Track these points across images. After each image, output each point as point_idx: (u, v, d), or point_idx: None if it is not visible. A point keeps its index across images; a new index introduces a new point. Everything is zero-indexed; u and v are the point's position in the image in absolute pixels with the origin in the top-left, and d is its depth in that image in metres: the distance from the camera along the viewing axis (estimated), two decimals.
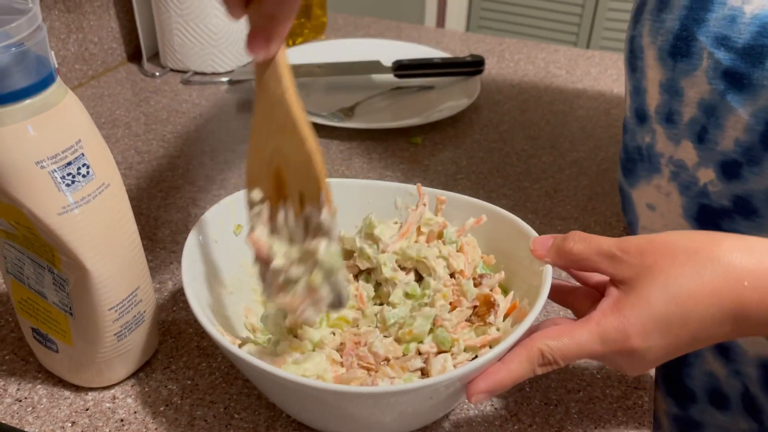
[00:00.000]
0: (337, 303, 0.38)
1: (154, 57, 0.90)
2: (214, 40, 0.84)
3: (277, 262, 0.38)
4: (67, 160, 0.35)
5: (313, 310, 0.38)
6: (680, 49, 0.43)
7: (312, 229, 0.37)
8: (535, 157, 0.72)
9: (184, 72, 0.86)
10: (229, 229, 0.46)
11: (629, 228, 0.56)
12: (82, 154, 0.36)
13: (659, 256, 0.35)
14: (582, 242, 0.38)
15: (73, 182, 0.36)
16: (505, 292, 0.44)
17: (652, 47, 0.46)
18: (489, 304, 0.41)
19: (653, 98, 0.47)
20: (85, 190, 0.36)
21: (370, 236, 0.45)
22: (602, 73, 0.92)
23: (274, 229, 0.38)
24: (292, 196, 0.37)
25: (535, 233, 0.43)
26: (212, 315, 0.40)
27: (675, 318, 0.34)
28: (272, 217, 0.38)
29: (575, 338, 0.36)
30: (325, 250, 0.37)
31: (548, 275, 0.39)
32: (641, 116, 0.49)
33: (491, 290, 0.42)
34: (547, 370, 0.37)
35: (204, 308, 0.39)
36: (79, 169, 0.36)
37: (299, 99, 0.35)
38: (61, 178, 0.35)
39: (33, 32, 0.33)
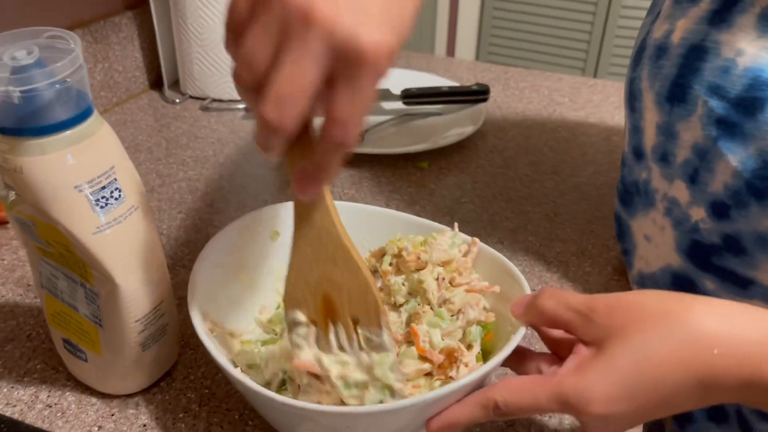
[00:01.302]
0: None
1: (175, 84, 0.95)
2: (231, 68, 0.89)
3: (333, 372, 0.39)
4: (101, 185, 0.39)
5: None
6: (676, 95, 0.45)
7: (372, 347, 0.38)
8: (538, 182, 0.75)
9: (203, 99, 0.91)
10: (263, 233, 0.50)
11: (624, 255, 0.58)
12: (115, 179, 0.40)
13: (628, 316, 0.35)
14: (552, 299, 0.38)
15: (106, 204, 0.39)
16: (487, 349, 0.43)
17: (650, 91, 0.48)
18: (452, 358, 0.41)
19: (650, 138, 0.49)
20: (117, 212, 0.40)
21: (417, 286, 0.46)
22: (604, 100, 0.96)
23: (322, 348, 0.40)
24: (343, 320, 0.39)
25: (524, 281, 0.43)
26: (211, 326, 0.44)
27: (642, 384, 0.34)
28: (318, 338, 0.40)
29: (534, 395, 0.35)
30: (386, 367, 0.38)
31: (519, 334, 0.39)
32: (638, 153, 0.52)
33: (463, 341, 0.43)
34: (505, 418, 0.37)
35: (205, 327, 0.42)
36: (111, 192, 0.40)
37: (345, 230, 0.37)
38: (95, 201, 0.39)
39: (75, 71, 0.37)
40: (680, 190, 0.47)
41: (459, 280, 0.45)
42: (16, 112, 0.36)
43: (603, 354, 0.35)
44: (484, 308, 0.44)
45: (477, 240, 0.47)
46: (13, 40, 0.38)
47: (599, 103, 0.95)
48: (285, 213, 0.51)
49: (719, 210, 0.45)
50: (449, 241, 0.47)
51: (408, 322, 0.44)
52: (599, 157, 0.80)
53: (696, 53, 0.44)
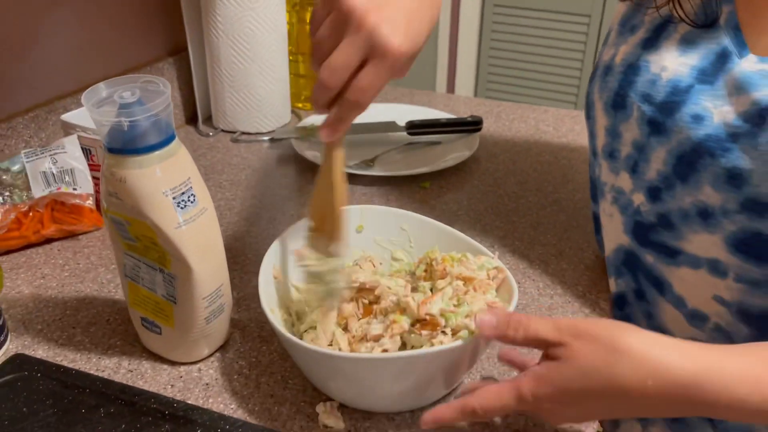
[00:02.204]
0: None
1: (208, 120, 1.08)
2: (258, 105, 1.02)
3: (309, 263, 0.57)
4: (181, 191, 0.52)
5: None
6: (618, 103, 0.57)
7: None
8: (523, 197, 0.88)
9: (233, 132, 1.04)
10: None
11: (600, 244, 0.70)
12: (191, 188, 0.53)
13: (586, 340, 0.43)
14: (521, 331, 0.46)
15: (185, 206, 0.52)
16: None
17: (600, 101, 0.61)
18: (434, 325, 0.51)
19: (601, 140, 0.62)
20: (192, 212, 0.52)
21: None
22: (584, 129, 1.08)
23: (312, 246, 0.58)
24: (326, 230, 0.57)
25: (514, 300, 0.53)
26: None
27: (590, 394, 0.43)
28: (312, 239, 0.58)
29: (500, 398, 0.45)
30: (330, 269, 0.56)
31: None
32: (594, 153, 0.65)
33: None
34: (483, 419, 0.49)
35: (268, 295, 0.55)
36: (189, 197, 0.52)
37: (343, 171, 0.54)
38: (177, 203, 0.52)
39: (165, 107, 0.50)
40: (624, 180, 0.59)
41: (475, 295, 0.56)
42: (122, 137, 0.49)
43: (560, 368, 0.44)
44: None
45: (504, 269, 0.56)
46: (119, 84, 0.51)
47: (580, 131, 1.08)
48: (369, 213, 0.65)
49: (654, 193, 0.57)
50: (478, 263, 0.58)
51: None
52: (577, 177, 0.93)
53: (632, 70, 0.57)
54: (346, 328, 0.56)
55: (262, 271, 0.56)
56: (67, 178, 0.74)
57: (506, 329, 0.47)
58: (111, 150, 0.50)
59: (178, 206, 0.52)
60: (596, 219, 0.70)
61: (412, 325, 0.52)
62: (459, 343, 0.49)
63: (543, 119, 1.12)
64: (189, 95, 1.07)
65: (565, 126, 1.10)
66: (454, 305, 0.54)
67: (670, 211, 0.56)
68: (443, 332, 0.51)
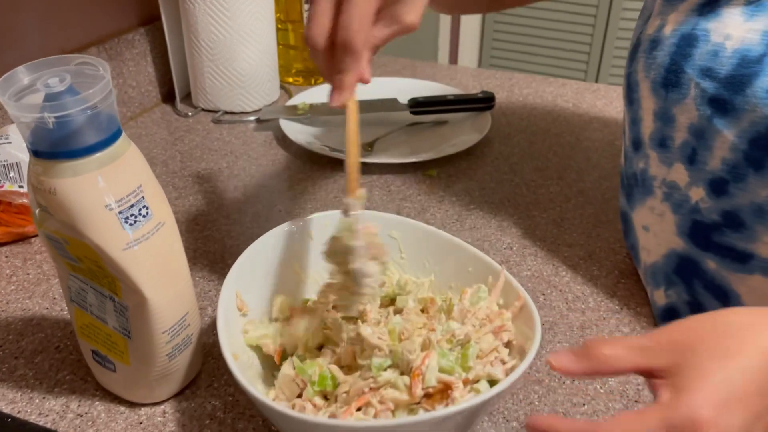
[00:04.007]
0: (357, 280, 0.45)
1: (187, 98, 0.97)
2: (242, 81, 0.91)
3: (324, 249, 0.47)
4: (130, 203, 0.41)
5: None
6: (671, 81, 0.49)
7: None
8: (543, 187, 0.77)
9: (215, 112, 0.93)
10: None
11: (631, 252, 0.60)
12: (143, 197, 0.42)
13: (694, 334, 0.34)
14: (609, 345, 0.35)
15: (135, 222, 0.41)
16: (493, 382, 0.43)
17: (646, 81, 0.51)
18: (446, 392, 0.42)
19: (648, 126, 0.53)
20: (145, 228, 0.42)
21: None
22: (607, 105, 0.97)
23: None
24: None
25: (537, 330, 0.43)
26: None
27: (748, 388, 0.32)
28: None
29: (642, 421, 0.32)
30: (340, 228, 0.46)
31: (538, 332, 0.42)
32: (637, 144, 0.55)
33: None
34: None
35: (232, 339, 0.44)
36: (140, 210, 0.42)
37: (357, 129, 0.47)
38: (125, 219, 0.41)
39: (105, 97, 0.39)
40: (679, 173, 0.51)
41: (480, 329, 0.46)
42: (49, 136, 0.38)
43: (690, 372, 0.33)
44: (502, 361, 0.44)
45: (523, 297, 0.46)
46: (45, 67, 0.40)
47: (603, 108, 0.97)
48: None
49: (718, 187, 0.48)
50: (474, 297, 0.48)
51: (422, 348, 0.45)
52: (603, 162, 0.82)
53: (687, 41, 0.48)
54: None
55: (222, 303, 0.45)
56: (12, 174, 0.63)
57: (590, 365, 0.35)
58: (36, 153, 0.39)
59: (126, 222, 0.41)
60: (627, 220, 0.60)
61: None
62: (481, 398, 0.39)
63: (561, 94, 1.01)
64: (165, 70, 0.96)
65: (585, 102, 0.98)
66: (458, 351, 0.45)
67: (739, 207, 0.47)
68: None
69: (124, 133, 0.42)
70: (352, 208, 0.46)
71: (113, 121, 0.41)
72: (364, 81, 0.45)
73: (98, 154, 0.40)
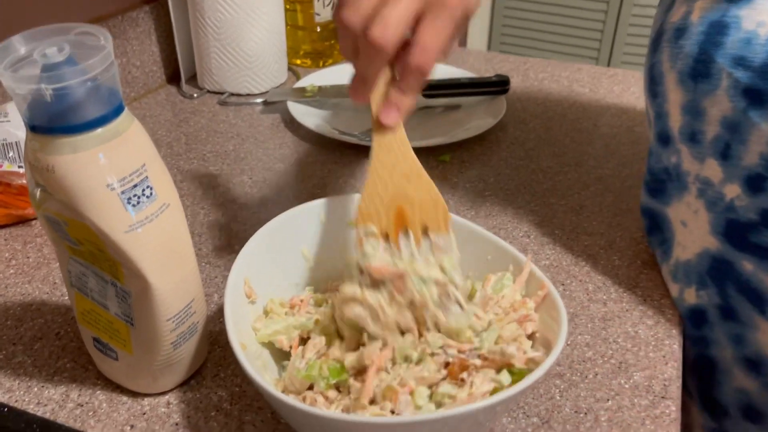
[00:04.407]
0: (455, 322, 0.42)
1: (192, 79, 0.94)
2: (249, 62, 0.88)
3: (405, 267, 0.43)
4: (133, 183, 0.39)
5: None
6: (700, 71, 0.46)
7: (436, 249, 0.45)
8: (561, 173, 0.74)
9: (221, 93, 0.90)
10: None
11: (660, 246, 0.57)
12: (146, 177, 0.39)
13: None
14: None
15: (138, 203, 0.39)
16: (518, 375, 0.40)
17: (672, 72, 0.48)
18: (464, 366, 0.41)
19: (676, 120, 0.49)
20: (149, 209, 0.39)
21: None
22: (625, 90, 0.94)
23: (392, 255, 0.45)
24: (414, 228, 0.45)
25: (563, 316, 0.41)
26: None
27: None
28: (385, 248, 0.45)
29: None
30: (454, 263, 0.44)
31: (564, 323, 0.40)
32: (664, 139, 0.52)
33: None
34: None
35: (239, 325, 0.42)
36: (143, 190, 0.39)
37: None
38: (127, 199, 0.38)
39: (106, 68, 0.37)
40: (712, 169, 0.48)
41: (503, 316, 0.44)
42: (47, 110, 0.36)
43: None
44: (525, 352, 0.41)
45: (546, 286, 0.44)
46: (43, 36, 0.37)
47: (620, 93, 0.94)
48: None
49: (755, 183, 0.45)
50: (498, 284, 0.46)
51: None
52: (623, 149, 0.79)
53: (717, 29, 0.45)
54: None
55: (230, 289, 0.43)
56: (11, 154, 0.61)
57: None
58: (34, 128, 0.37)
59: (129, 203, 0.39)
60: (651, 216, 0.57)
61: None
62: (504, 395, 0.36)
63: (577, 78, 0.98)
64: (170, 50, 0.93)
65: (602, 87, 0.95)
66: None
67: None
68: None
69: (127, 109, 0.39)
70: (452, 244, 0.45)
71: (115, 95, 0.38)
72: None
73: (99, 130, 0.37)
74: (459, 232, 0.50)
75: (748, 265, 0.47)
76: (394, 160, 0.44)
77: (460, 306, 0.43)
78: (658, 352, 0.51)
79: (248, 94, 0.90)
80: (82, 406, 0.46)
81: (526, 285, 0.46)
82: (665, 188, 0.54)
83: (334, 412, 0.39)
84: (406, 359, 0.42)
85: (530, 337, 0.43)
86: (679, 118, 0.49)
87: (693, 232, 0.51)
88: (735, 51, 0.44)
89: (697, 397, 0.58)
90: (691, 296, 0.53)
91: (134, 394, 0.46)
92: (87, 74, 0.36)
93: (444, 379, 0.41)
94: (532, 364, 0.41)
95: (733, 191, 0.47)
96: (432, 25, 0.39)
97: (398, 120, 0.43)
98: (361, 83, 0.43)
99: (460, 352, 0.41)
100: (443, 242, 0.45)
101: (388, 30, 0.39)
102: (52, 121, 0.36)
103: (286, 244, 0.50)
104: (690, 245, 0.52)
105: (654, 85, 0.51)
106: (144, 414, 0.45)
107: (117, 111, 0.38)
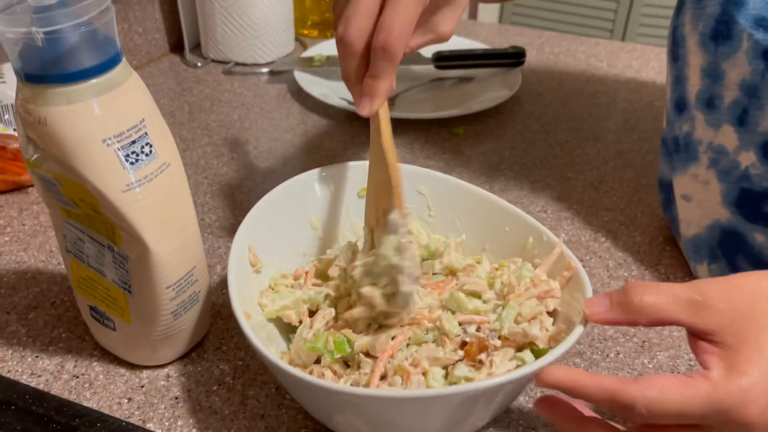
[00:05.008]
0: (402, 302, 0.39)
1: (196, 48, 0.91)
2: (255, 31, 0.85)
3: (357, 270, 0.41)
4: (131, 139, 0.36)
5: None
6: (721, 33, 0.45)
7: (388, 232, 0.41)
8: (579, 148, 0.71)
9: (226, 63, 0.87)
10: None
11: (671, 225, 0.55)
12: (146, 134, 0.37)
13: (749, 299, 0.31)
14: (652, 293, 0.33)
15: (137, 161, 0.36)
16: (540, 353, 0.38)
17: (693, 34, 0.47)
18: (483, 346, 0.38)
19: (694, 84, 0.48)
20: (148, 168, 0.37)
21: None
22: (644, 66, 0.91)
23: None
24: (379, 215, 0.42)
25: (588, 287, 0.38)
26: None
27: None
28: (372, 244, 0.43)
29: (685, 398, 0.30)
30: (387, 246, 0.40)
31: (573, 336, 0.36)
32: (681, 105, 0.50)
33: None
34: (627, 418, 0.32)
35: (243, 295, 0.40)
36: (142, 148, 0.37)
37: (391, 139, 0.42)
38: (125, 156, 0.36)
39: (102, 12, 0.34)
40: (728, 136, 0.46)
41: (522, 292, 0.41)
42: (39, 56, 0.33)
43: (747, 349, 0.30)
44: (546, 330, 0.39)
45: (574, 266, 0.40)
46: None
47: (639, 68, 0.90)
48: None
49: None
50: (516, 275, 0.42)
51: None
52: (643, 124, 0.76)
53: None
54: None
55: (233, 257, 0.41)
56: (7, 116, 0.58)
57: (628, 315, 0.34)
58: (26, 77, 0.34)
59: (127, 160, 0.36)
60: (666, 188, 0.54)
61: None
62: (527, 370, 0.34)
63: (594, 53, 0.95)
64: (174, 18, 0.90)
65: (620, 62, 0.92)
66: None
67: None
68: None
69: (125, 60, 0.37)
70: (399, 225, 0.40)
71: (112, 44, 0.35)
72: (392, 88, 0.41)
73: (95, 80, 0.35)
74: (475, 202, 0.47)
75: (759, 237, 0.45)
76: (376, 151, 0.42)
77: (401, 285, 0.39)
78: (682, 331, 0.48)
79: (254, 64, 0.87)
80: (77, 377, 0.43)
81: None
82: (671, 161, 0.51)
83: (342, 385, 0.37)
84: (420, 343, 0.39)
85: (551, 314, 0.41)
86: (698, 82, 0.47)
87: (702, 204, 0.49)
88: (757, 11, 0.43)
89: None
90: (704, 273, 0.50)
91: (132, 366, 0.44)
92: (81, 17, 0.33)
93: (460, 360, 0.38)
94: (554, 342, 0.38)
95: (748, 159, 0.45)
96: (395, 5, 0.38)
97: (374, 108, 0.41)
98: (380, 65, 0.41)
99: (479, 326, 0.38)
100: (391, 223, 0.41)
101: (350, 24, 0.38)
102: (44, 69, 0.34)
103: (293, 212, 0.47)
104: (697, 219, 0.50)
105: (676, 48, 0.50)
106: (142, 387, 0.43)
107: (114, 60, 0.35)
